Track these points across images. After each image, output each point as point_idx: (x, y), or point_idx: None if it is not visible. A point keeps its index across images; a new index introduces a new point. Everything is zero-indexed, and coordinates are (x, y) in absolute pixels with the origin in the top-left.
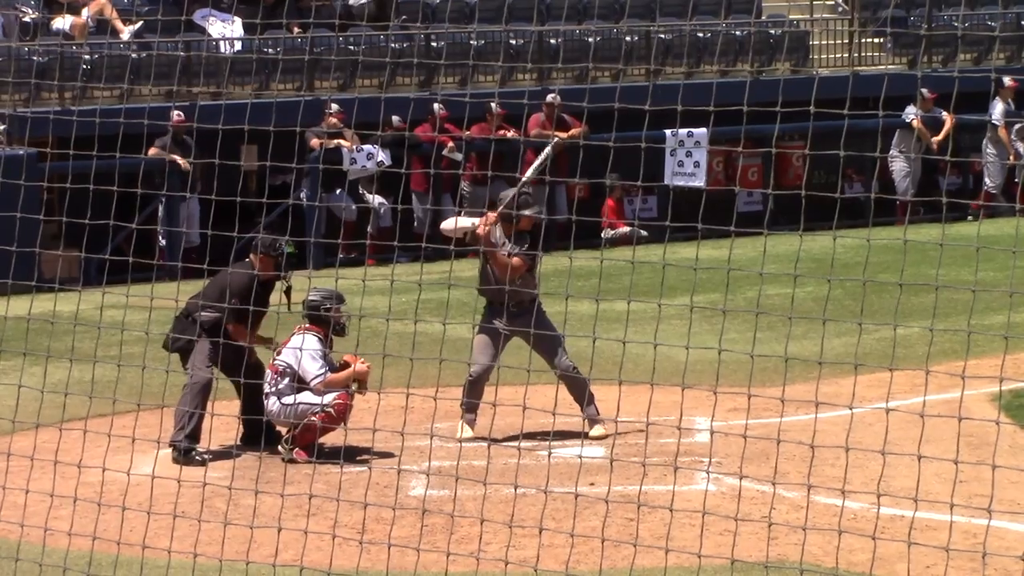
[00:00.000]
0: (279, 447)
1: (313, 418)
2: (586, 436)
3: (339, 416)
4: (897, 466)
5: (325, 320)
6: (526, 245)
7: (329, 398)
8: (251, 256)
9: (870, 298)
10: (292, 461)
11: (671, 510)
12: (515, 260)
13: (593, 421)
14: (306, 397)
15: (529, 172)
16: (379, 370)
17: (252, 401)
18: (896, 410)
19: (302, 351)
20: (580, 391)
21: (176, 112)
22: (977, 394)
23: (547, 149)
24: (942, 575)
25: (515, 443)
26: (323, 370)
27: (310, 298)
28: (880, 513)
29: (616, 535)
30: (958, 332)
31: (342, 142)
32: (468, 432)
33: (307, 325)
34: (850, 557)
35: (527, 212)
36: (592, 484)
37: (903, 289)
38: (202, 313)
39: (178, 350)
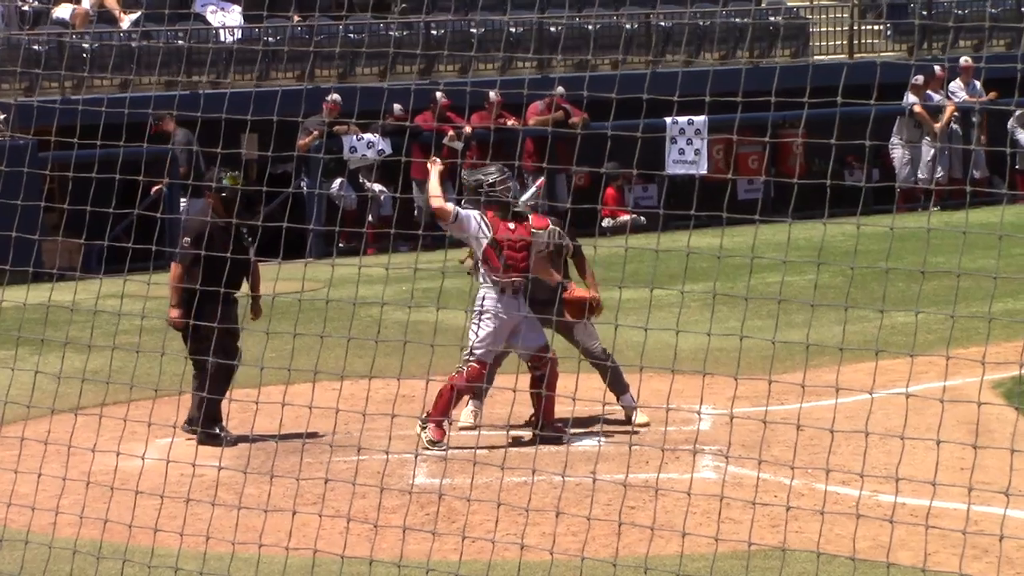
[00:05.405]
0: (417, 427)
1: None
2: (632, 424)
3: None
4: (896, 453)
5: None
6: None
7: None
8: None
9: (871, 286)
10: (433, 442)
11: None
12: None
13: (633, 409)
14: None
15: (524, 197)
16: (383, 359)
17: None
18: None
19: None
20: (614, 378)
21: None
22: (976, 381)
23: (538, 181)
24: (944, 562)
25: (514, 431)
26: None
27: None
28: (881, 501)
29: (614, 523)
30: (963, 319)
31: (339, 129)
32: (470, 420)
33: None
34: (851, 544)
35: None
36: (592, 473)
37: (892, 277)
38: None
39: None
